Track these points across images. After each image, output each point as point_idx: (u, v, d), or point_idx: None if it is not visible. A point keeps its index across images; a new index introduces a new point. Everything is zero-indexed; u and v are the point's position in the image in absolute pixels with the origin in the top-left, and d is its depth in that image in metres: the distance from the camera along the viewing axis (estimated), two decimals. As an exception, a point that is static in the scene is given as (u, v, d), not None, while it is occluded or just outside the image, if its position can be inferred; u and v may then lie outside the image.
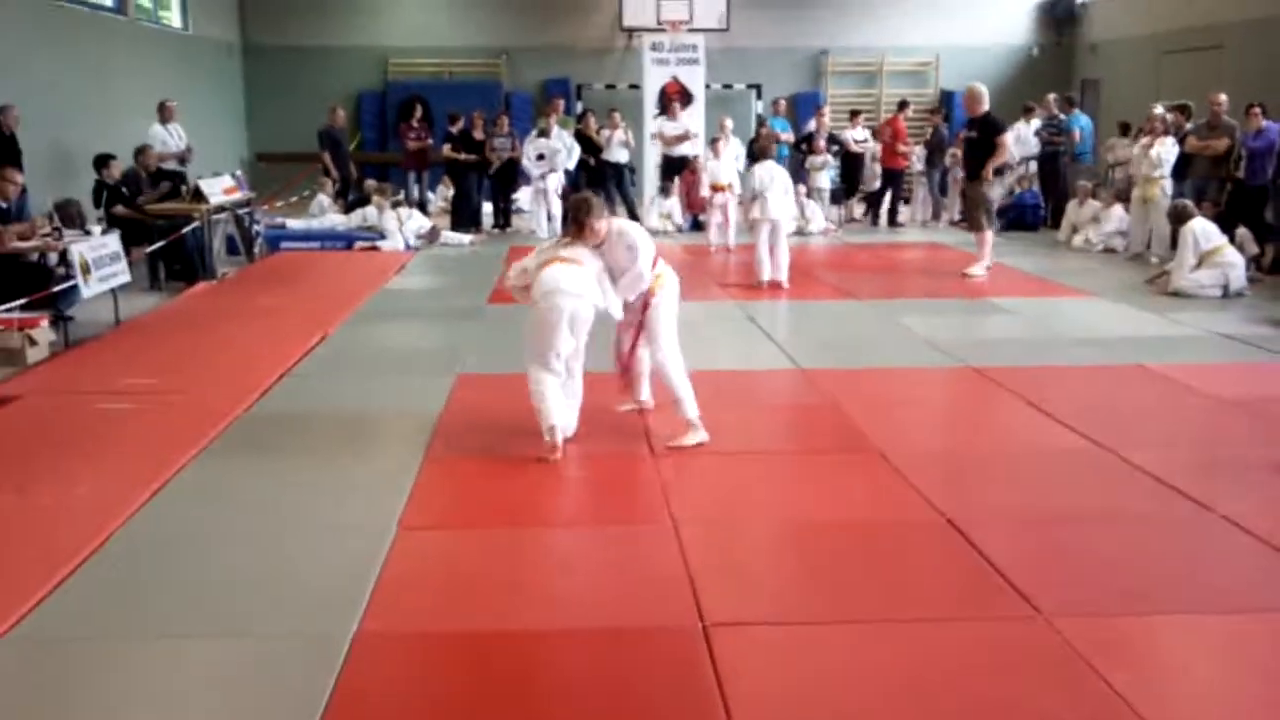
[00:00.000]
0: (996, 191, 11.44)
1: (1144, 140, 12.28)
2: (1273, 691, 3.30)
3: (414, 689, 3.34)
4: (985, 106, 11.08)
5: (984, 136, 11.07)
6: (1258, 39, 14.24)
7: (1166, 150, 11.88)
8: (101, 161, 10.82)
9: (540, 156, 14.30)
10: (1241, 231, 10.76)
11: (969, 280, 10.82)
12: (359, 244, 13.21)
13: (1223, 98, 11.94)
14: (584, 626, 3.72)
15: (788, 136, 16.20)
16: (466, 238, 14.11)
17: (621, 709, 3.24)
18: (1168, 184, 11.91)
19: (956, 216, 15.07)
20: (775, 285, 10.34)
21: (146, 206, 10.95)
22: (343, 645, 3.53)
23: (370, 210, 13.73)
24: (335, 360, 7.63)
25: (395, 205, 13.74)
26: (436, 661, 3.54)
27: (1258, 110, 11.29)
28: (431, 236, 13.67)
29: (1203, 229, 9.99)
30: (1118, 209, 13.04)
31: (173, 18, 16.70)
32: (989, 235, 11.18)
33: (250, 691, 3.34)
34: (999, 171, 11.22)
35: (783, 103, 17.04)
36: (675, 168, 15.59)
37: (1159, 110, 12.40)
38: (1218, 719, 3.17)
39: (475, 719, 3.18)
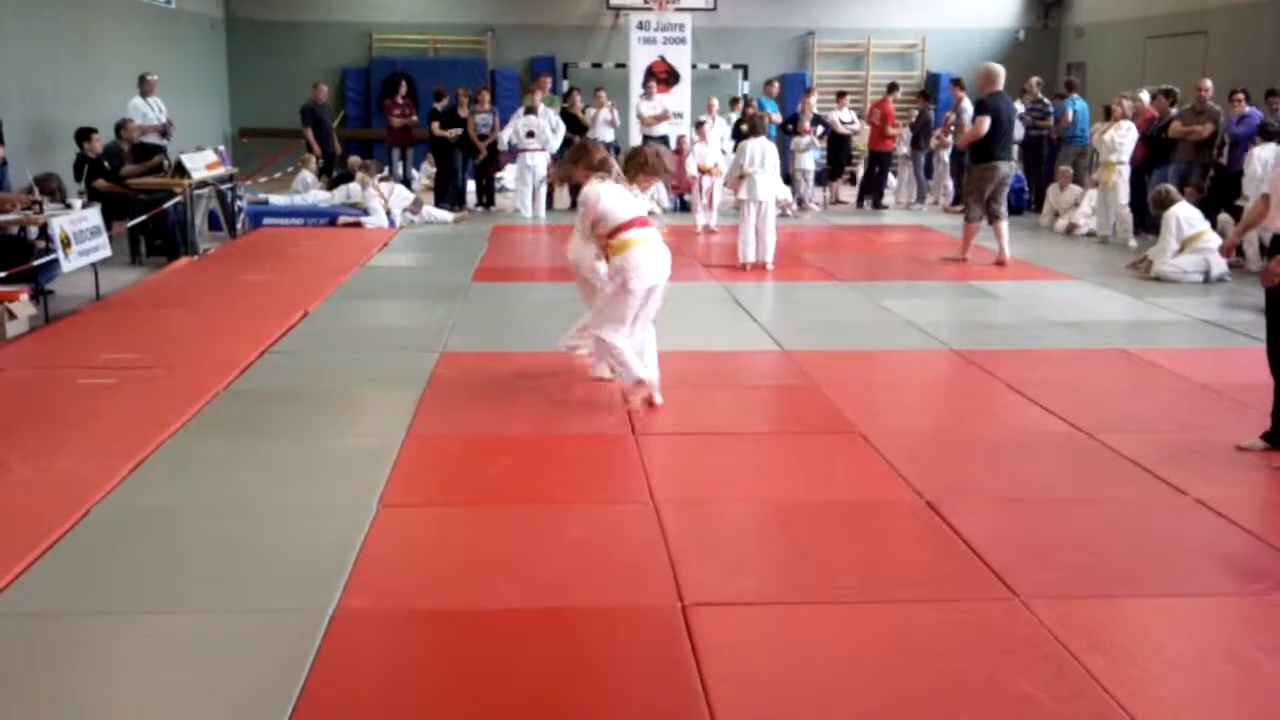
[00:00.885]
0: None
1: (1099, 125, 12.32)
2: (1244, 673, 3.34)
3: (393, 665, 3.35)
4: (995, 88, 10.54)
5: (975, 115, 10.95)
6: (1242, 24, 14.29)
7: (1121, 134, 11.91)
8: (83, 135, 10.73)
9: (530, 134, 14.27)
10: (1223, 217, 10.81)
11: (950, 264, 10.82)
12: (342, 220, 13.17)
13: (1207, 83, 11.97)
14: (563, 605, 3.72)
15: (775, 117, 16.18)
16: (450, 215, 14.07)
17: (600, 688, 3.25)
18: (1125, 169, 11.94)
19: (949, 200, 15.14)
20: (759, 267, 10.33)
21: (128, 181, 10.88)
22: (322, 621, 3.53)
23: (354, 187, 13.68)
24: (317, 337, 7.61)
25: (381, 181, 13.70)
26: (415, 638, 3.55)
27: (1241, 96, 11.33)
28: (415, 207, 13.64)
29: (1185, 215, 10.02)
30: (1094, 193, 13.09)
31: (156, -9, 16.56)
32: (975, 227, 10.81)
33: (229, 666, 3.34)
34: (984, 156, 10.76)
35: (775, 85, 17.03)
36: None
37: (1144, 96, 12.43)
38: (1190, 700, 3.21)
39: (453, 696, 3.19)
